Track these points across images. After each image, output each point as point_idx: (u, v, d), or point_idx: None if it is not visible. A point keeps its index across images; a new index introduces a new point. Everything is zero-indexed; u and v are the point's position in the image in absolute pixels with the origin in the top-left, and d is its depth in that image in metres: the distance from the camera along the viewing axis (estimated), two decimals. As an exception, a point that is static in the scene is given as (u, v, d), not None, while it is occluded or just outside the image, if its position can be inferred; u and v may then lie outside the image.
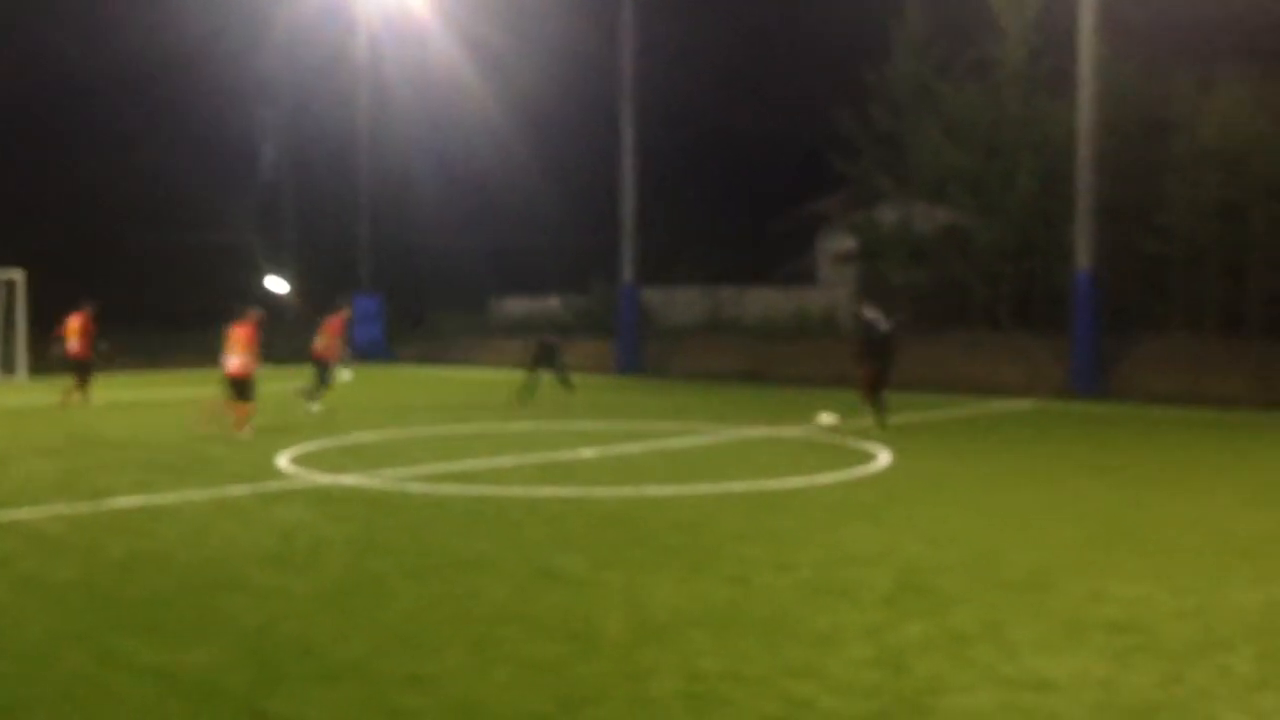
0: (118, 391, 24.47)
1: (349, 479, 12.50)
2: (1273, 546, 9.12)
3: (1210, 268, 24.26)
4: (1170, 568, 8.36)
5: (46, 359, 22.82)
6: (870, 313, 17.69)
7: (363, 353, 36.56)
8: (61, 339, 21.38)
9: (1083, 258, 23.81)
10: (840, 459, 14.02)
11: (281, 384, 27.08)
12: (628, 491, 11.73)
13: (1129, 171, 24.64)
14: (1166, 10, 24.49)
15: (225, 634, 6.72)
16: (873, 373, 17.45)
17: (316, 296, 40.93)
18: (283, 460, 13.83)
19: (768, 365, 28.76)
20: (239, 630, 6.79)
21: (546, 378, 22.57)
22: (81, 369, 21.11)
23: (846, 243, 33.25)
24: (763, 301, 34.46)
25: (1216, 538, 9.46)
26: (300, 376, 29.53)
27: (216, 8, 36.47)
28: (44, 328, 28.56)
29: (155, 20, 36.05)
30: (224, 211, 39.97)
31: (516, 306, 39.16)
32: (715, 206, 40.39)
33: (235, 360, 16.61)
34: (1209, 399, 21.46)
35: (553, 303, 37.72)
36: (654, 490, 11.74)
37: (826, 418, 17.80)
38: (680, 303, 35.60)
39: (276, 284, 40.83)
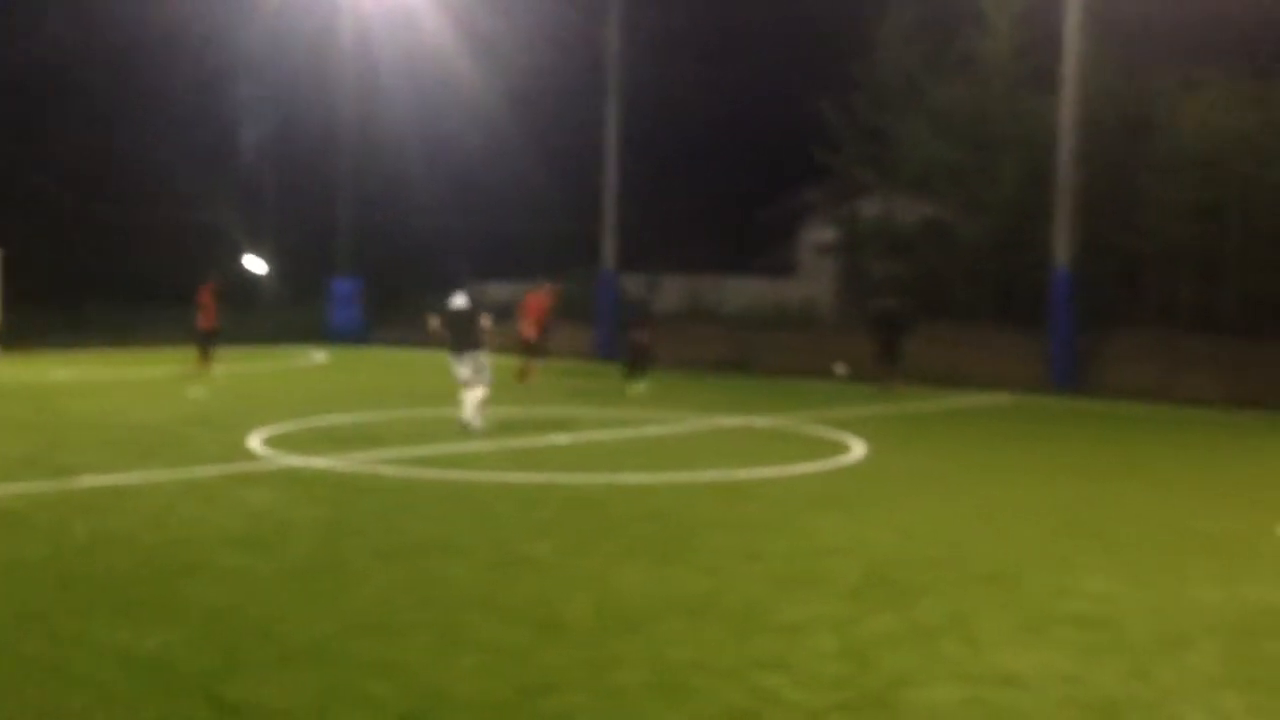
0: (91, 369, 24.29)
1: (320, 461, 12.43)
2: (1237, 544, 9.16)
3: (1186, 266, 24.38)
4: (1137, 564, 8.39)
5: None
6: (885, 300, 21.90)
7: (340, 335, 36.44)
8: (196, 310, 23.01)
9: (1062, 254, 23.90)
10: (815, 450, 14.01)
11: (254, 365, 26.94)
12: (601, 478, 11.70)
13: (1109, 169, 24.71)
14: (1150, 10, 24.53)
15: (187, 616, 6.65)
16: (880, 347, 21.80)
17: (297, 278, 40.73)
18: (254, 441, 13.73)
19: (746, 355, 28.74)
20: (201, 612, 6.73)
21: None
22: (206, 340, 22.77)
23: (828, 234, 33.25)
24: (743, 291, 34.44)
25: (1183, 535, 9.51)
26: (275, 357, 29.44)
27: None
28: (20, 305, 28.42)
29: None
30: (203, 190, 39.60)
31: (499, 291, 38.99)
32: (699, 195, 40.31)
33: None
34: (1182, 396, 21.63)
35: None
36: (627, 478, 11.71)
37: (840, 368, 22.30)
38: (659, 290, 35.55)
39: (254, 263, 40.54)
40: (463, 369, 14.95)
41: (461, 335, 15.04)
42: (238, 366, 25.81)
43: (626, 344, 21.82)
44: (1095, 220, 24.23)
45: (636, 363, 21.30)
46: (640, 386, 20.70)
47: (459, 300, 15.27)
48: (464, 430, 14.68)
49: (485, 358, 15.01)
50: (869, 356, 22.93)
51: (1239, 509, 10.77)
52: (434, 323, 15.49)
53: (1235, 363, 22.20)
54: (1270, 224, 23.31)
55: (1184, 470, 13.50)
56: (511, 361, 22.44)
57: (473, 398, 14.83)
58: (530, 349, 22.29)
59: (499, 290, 37.33)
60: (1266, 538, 9.39)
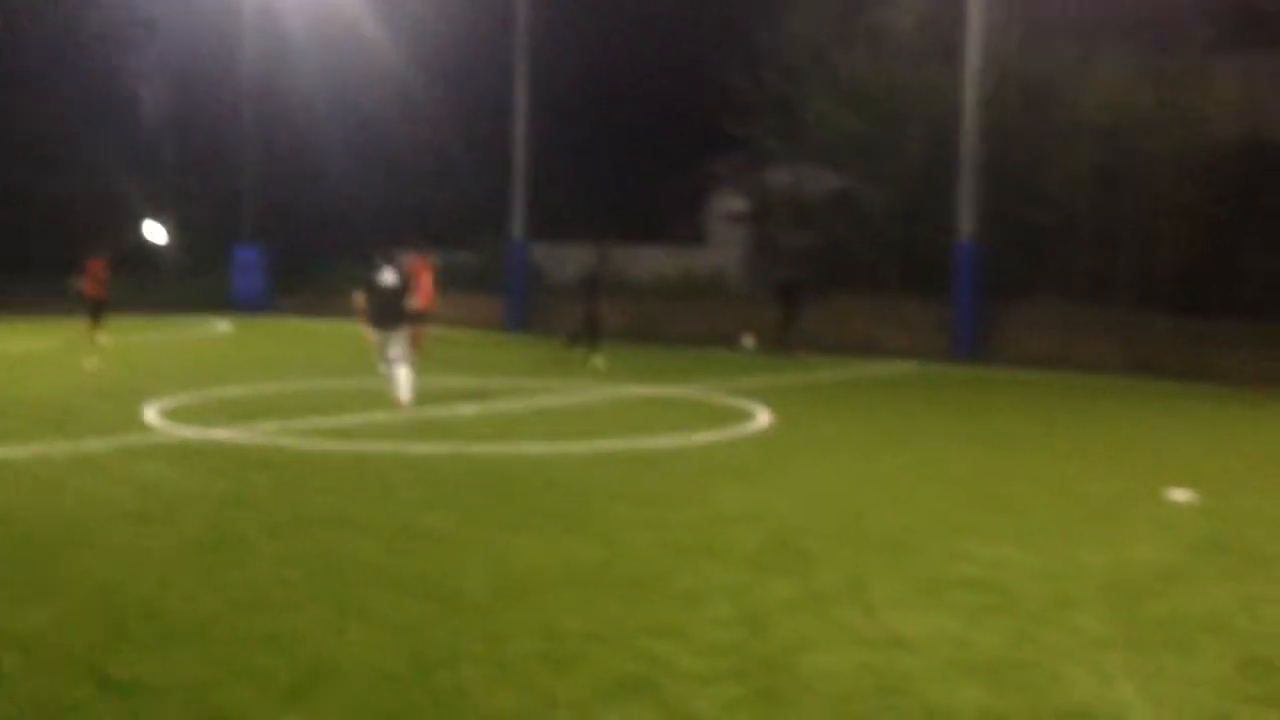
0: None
1: (218, 433, 12.19)
2: (1124, 509, 9.40)
3: (1083, 237, 24.87)
4: (1028, 529, 8.57)
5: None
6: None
7: (244, 304, 35.78)
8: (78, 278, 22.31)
9: (965, 225, 24.28)
10: (719, 418, 14.08)
11: (154, 335, 26.35)
12: (504, 449, 11.65)
13: (1012, 140, 25.09)
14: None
15: (71, 593, 6.48)
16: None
17: (200, 246, 39.83)
18: (150, 413, 13.42)
19: (655, 324, 28.81)
20: (86, 589, 6.56)
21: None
22: (95, 310, 22.11)
23: (736, 203, 33.33)
24: (652, 261, 34.41)
25: (1075, 499, 9.73)
26: (176, 327, 28.82)
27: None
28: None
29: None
30: (99, 157, 38.49)
31: (408, 260, 38.55)
32: (608, 164, 40.12)
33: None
34: (1079, 363, 22.20)
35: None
36: (530, 448, 11.67)
37: (748, 340, 23.33)
38: (567, 259, 35.38)
39: (155, 232, 39.61)
40: (392, 348, 14.43)
41: (389, 312, 14.46)
42: (137, 336, 25.22)
43: (583, 315, 21.70)
44: (998, 191, 24.63)
45: (593, 334, 21.26)
46: (599, 359, 20.64)
47: (388, 276, 14.58)
48: (402, 411, 14.08)
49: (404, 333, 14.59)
50: (773, 326, 23.54)
51: (1130, 473, 11.06)
52: (359, 300, 14.77)
53: (1129, 331, 22.80)
54: (1163, 196, 23.85)
55: (1079, 436, 13.82)
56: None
57: (406, 376, 14.35)
58: (419, 317, 22.06)
59: (408, 259, 36.92)
60: (1154, 501, 9.64)
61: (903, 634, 6.06)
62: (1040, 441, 13.28)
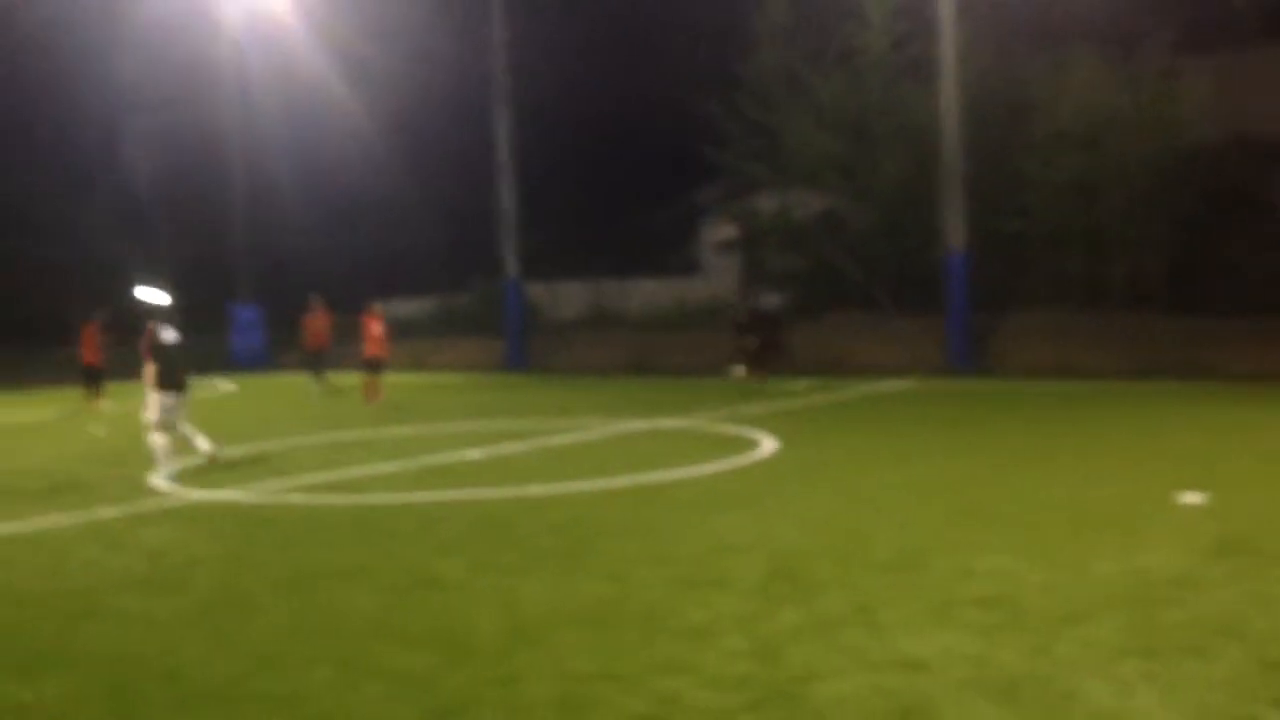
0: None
1: (225, 494, 12.19)
2: (1133, 515, 9.36)
3: (1072, 245, 24.95)
4: (1036, 541, 8.55)
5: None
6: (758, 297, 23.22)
7: (244, 363, 35.82)
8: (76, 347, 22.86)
9: (954, 238, 24.37)
10: (722, 448, 14.08)
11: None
12: (509, 492, 11.64)
13: (992, 153, 25.22)
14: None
15: (82, 664, 6.48)
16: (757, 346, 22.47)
17: (193, 308, 39.88)
18: (157, 478, 13.43)
19: (652, 357, 28.86)
20: (97, 659, 6.56)
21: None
22: (92, 377, 22.44)
23: (726, 231, 33.46)
24: (646, 293, 34.54)
25: (1082, 508, 9.71)
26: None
27: (65, 16, 35.35)
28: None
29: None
30: (84, 222, 38.69)
31: (404, 307, 38.66)
32: (595, 201, 40.33)
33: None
34: (1076, 371, 22.18)
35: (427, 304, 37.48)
36: (535, 490, 11.67)
37: (738, 371, 23.31)
38: (563, 297, 35.48)
39: (151, 294, 39.68)
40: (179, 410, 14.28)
41: (180, 372, 14.26)
42: (139, 401, 25.20)
43: (759, 346, 22.72)
44: (982, 203, 24.73)
45: (768, 362, 22.23)
46: (802, 383, 21.66)
47: (170, 334, 14.40)
48: (219, 458, 14.10)
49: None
50: (750, 356, 23.82)
51: (1136, 479, 11.00)
52: (149, 371, 14.19)
53: (1124, 336, 22.81)
54: (1148, 200, 23.96)
55: (1081, 444, 13.79)
56: (358, 380, 23.68)
57: (192, 430, 14.32)
58: (374, 366, 22.64)
59: (404, 306, 37.03)
60: (1163, 507, 9.60)
61: (915, 656, 6.05)
62: (1044, 451, 13.25)
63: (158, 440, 14.07)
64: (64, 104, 38.12)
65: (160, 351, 14.13)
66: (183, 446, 14.32)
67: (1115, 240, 24.53)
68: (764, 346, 22.79)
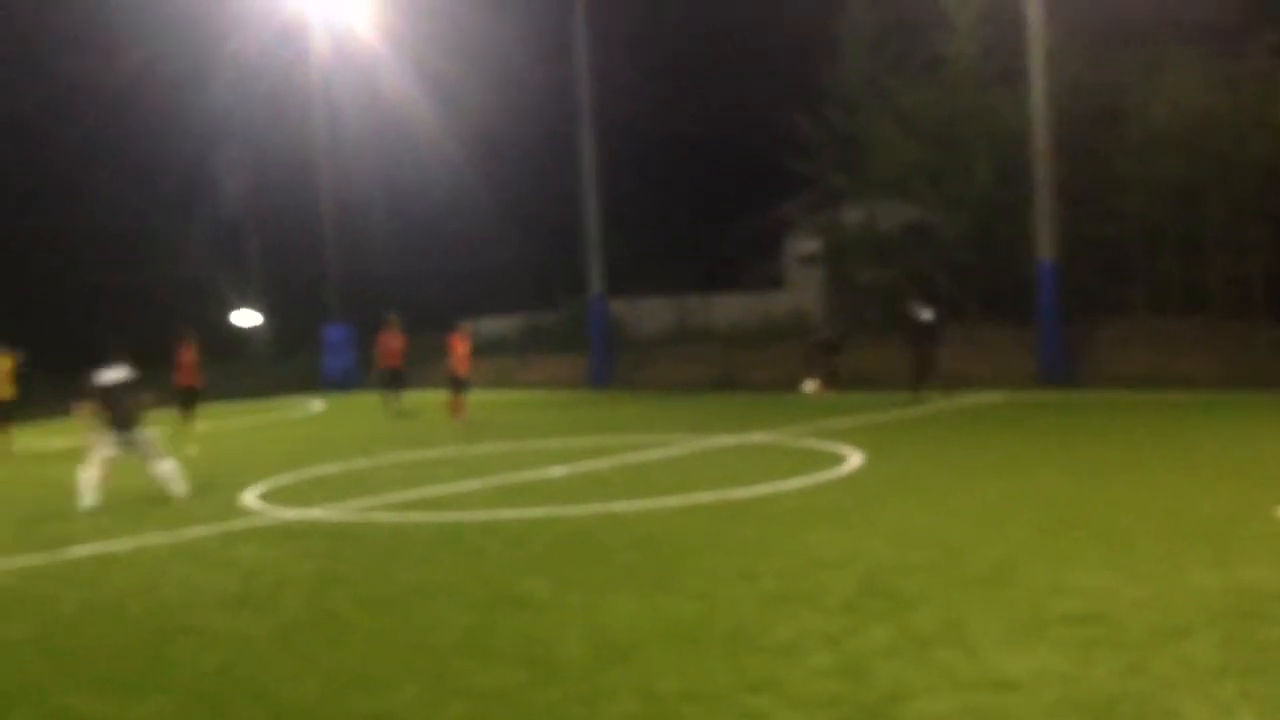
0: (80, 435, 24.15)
1: (314, 512, 12.37)
2: (1232, 528, 9.08)
3: (1170, 249, 24.36)
4: (1130, 555, 8.33)
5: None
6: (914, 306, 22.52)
7: (334, 382, 36.40)
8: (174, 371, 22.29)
9: (1045, 247, 23.89)
10: (809, 463, 13.96)
11: (249, 419, 26.88)
12: (594, 509, 11.65)
13: (1085, 158, 24.74)
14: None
15: (177, 682, 6.60)
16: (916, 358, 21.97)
17: (286, 329, 40.74)
18: (248, 497, 13.68)
19: (736, 372, 28.74)
20: (192, 677, 6.68)
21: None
22: (186, 398, 21.96)
23: (811, 245, 33.25)
24: (730, 308, 34.43)
25: (1179, 522, 9.44)
26: (270, 410, 29.39)
27: (159, 42, 36.33)
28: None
29: (96, 55, 35.88)
30: (182, 246, 39.75)
31: (493, 325, 39.09)
32: (679, 216, 40.41)
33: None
34: (1174, 380, 21.54)
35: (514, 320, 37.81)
36: (621, 506, 11.66)
37: (809, 385, 23.90)
38: (647, 314, 35.51)
39: (246, 317, 40.60)
40: (140, 449, 14.07)
41: (126, 412, 13.98)
42: (232, 421, 25.77)
43: (917, 359, 22.28)
44: (1076, 210, 24.26)
45: (922, 373, 21.95)
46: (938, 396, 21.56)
47: (116, 373, 14.04)
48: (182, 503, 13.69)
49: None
50: (823, 376, 24.55)
51: (1236, 492, 10.68)
52: (84, 410, 14.03)
53: (1225, 344, 22.14)
54: (1250, 202, 23.31)
55: (1178, 456, 13.43)
56: (442, 397, 24.00)
57: (171, 467, 14.16)
58: (459, 384, 23.04)
59: (491, 325, 37.41)
60: (1264, 520, 9.31)
61: (1007, 674, 5.91)
62: (1139, 464, 12.91)
63: (90, 473, 13.81)
64: (160, 133, 39.16)
65: (101, 393, 13.86)
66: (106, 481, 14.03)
67: (1214, 245, 23.90)
68: (920, 359, 22.26)
